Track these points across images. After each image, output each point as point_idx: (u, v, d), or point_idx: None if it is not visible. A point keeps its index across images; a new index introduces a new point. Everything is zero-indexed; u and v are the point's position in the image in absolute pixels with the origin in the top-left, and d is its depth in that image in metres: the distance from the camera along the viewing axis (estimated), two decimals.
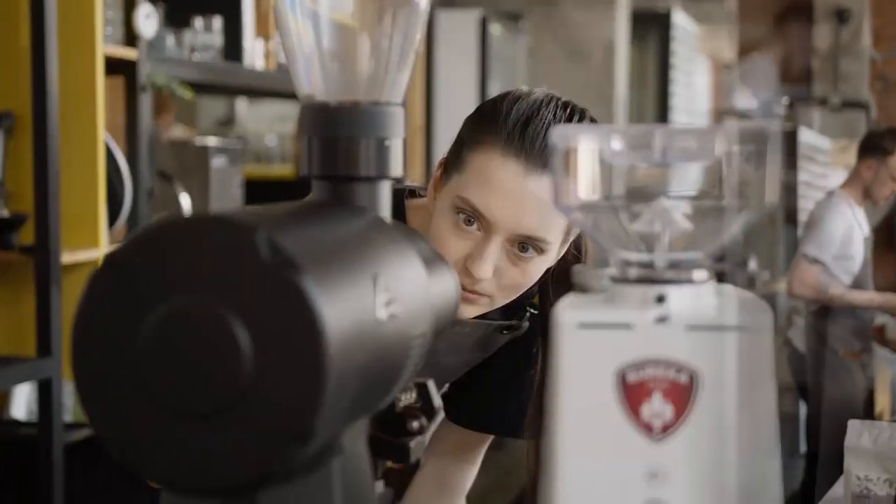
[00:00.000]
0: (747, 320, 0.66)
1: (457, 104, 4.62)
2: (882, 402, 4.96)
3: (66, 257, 2.40)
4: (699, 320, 0.66)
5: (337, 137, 0.75)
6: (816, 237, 4.26)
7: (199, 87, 3.21)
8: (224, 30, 3.11)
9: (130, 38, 2.66)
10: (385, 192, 0.78)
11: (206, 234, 0.60)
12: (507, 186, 1.21)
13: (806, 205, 7.31)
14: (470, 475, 1.54)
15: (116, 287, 0.61)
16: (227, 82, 3.21)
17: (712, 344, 0.66)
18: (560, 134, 0.69)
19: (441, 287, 0.82)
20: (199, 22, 3.01)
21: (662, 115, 7.42)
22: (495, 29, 5.16)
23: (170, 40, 2.90)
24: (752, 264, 6.33)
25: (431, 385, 0.83)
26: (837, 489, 2.06)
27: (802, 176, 6.79)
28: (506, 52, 5.31)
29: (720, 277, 0.70)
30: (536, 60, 5.57)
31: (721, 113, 8.72)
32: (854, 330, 4.34)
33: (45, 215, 2.31)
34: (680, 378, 0.66)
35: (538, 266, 1.26)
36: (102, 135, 2.49)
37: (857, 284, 4.30)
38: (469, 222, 1.23)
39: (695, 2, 8.63)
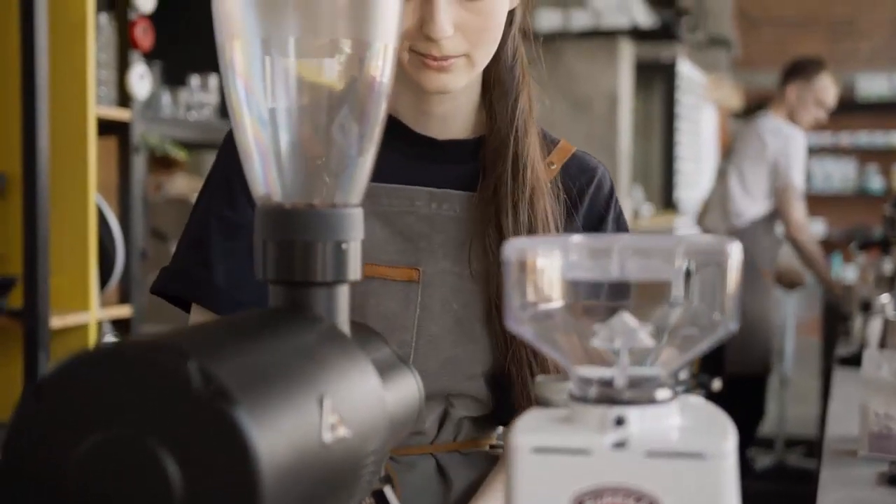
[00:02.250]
0: (711, 446, 0.63)
1: None
2: None
3: (56, 321, 2.37)
4: (660, 445, 0.63)
5: (293, 241, 0.73)
6: (797, 165, 4.34)
7: (196, 144, 3.20)
8: (220, 88, 3.11)
9: (124, 97, 2.65)
10: (343, 297, 0.75)
11: (136, 361, 0.57)
12: None
13: (680, 138, 7.36)
14: None
15: (44, 417, 0.58)
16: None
17: (674, 471, 0.63)
18: (514, 246, 0.66)
19: (399, 394, 0.79)
20: (195, 80, 3.01)
21: (668, 164, 7.40)
22: None
23: (166, 98, 2.89)
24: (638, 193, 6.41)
25: (388, 492, 0.80)
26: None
27: (678, 108, 6.92)
28: None
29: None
30: (540, 111, 5.56)
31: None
32: (773, 251, 4.41)
33: (33, 279, 2.29)
34: None
35: (497, 2, 1.18)
36: (94, 197, 2.47)
37: None
38: None
39: (700, 51, 8.65)
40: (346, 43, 0.74)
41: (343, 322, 0.75)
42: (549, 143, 1.31)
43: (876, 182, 9.78)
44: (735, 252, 0.63)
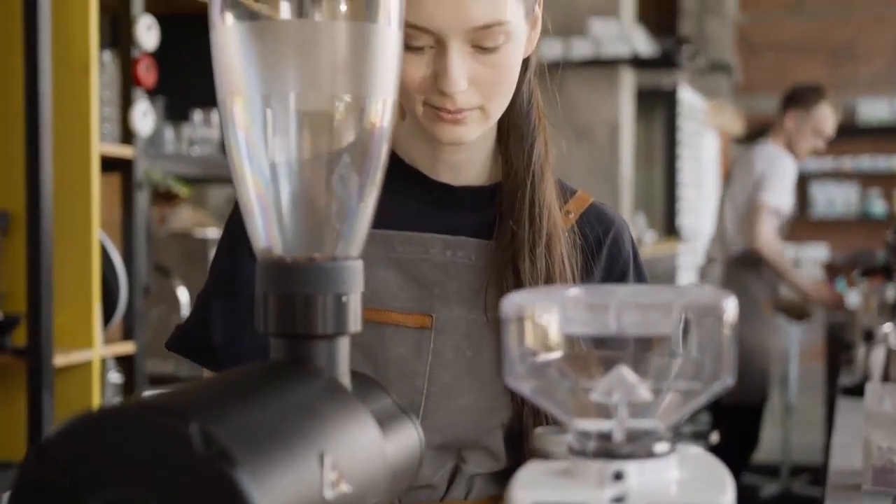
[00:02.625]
0: (710, 500, 0.63)
1: None
2: None
3: (60, 359, 2.37)
4: (659, 500, 0.63)
5: (293, 294, 0.73)
6: (777, 185, 4.29)
7: (199, 179, 3.21)
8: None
9: (127, 134, 2.67)
10: (343, 348, 0.75)
11: (137, 424, 0.58)
12: None
13: (682, 164, 7.37)
14: None
15: (46, 480, 0.59)
16: (225, 175, 3.21)
17: None
18: (512, 302, 0.67)
19: (400, 444, 0.79)
20: (197, 115, 3.02)
21: (670, 190, 7.42)
22: None
23: (169, 134, 2.91)
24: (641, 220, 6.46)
25: None
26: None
27: (679, 135, 6.94)
28: None
29: None
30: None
31: None
32: (770, 281, 4.37)
33: (37, 317, 2.29)
34: None
35: (511, 54, 1.16)
36: (97, 234, 2.48)
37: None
38: (418, 49, 1.13)
39: (701, 76, 8.68)
40: (346, 98, 0.75)
41: (343, 374, 0.75)
42: (566, 193, 1.30)
43: (878, 206, 9.80)
44: (731, 307, 0.64)
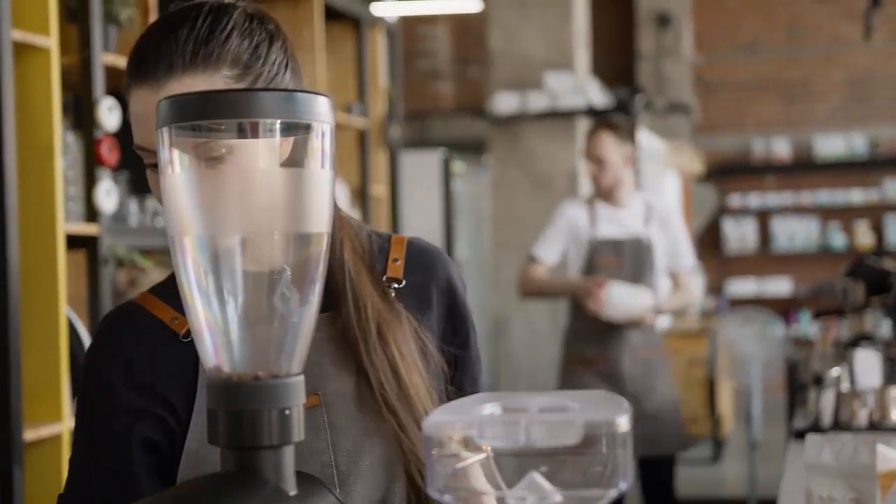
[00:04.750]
0: None
1: None
2: None
3: (29, 434, 2.43)
4: None
5: (241, 410, 0.82)
6: (541, 237, 4.30)
7: (164, 250, 3.27)
8: None
9: (92, 212, 2.74)
10: (288, 456, 0.84)
11: None
12: (148, 114, 1.16)
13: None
14: None
15: None
16: None
17: None
18: (432, 423, 0.75)
19: None
20: None
21: None
22: (458, 166, 5.29)
23: (133, 207, 2.98)
24: None
25: None
26: None
27: (640, 178, 6.94)
28: (470, 187, 5.45)
29: None
30: (500, 192, 5.69)
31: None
32: (585, 335, 4.19)
33: (6, 395, 2.35)
34: None
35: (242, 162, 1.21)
36: (64, 310, 2.55)
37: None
38: (154, 166, 1.18)
39: (661, 117, 8.84)
40: (286, 233, 0.84)
41: (289, 479, 0.83)
42: (382, 242, 1.38)
43: (838, 239, 9.97)
44: (623, 422, 0.73)
